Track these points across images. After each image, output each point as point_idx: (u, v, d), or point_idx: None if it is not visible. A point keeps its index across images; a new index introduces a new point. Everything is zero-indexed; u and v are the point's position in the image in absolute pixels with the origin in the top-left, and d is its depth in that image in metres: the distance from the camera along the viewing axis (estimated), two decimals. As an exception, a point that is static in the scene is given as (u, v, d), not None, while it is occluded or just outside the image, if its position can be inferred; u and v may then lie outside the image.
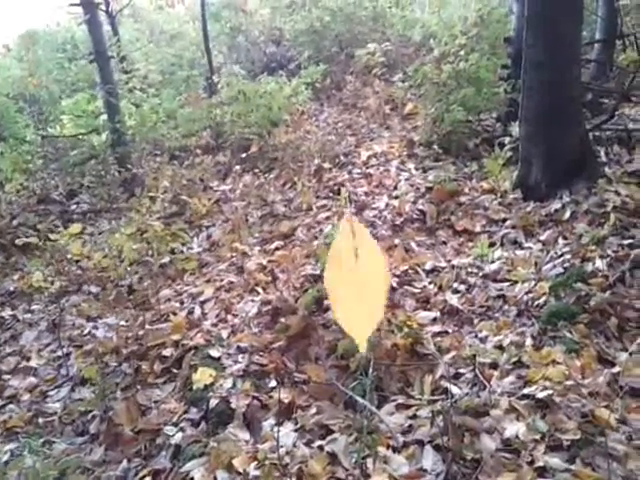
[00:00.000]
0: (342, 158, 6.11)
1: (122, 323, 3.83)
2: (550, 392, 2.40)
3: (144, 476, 2.53)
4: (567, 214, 3.96)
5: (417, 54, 8.69)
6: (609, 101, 5.74)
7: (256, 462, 2.36)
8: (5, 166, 6.74)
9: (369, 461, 2.30)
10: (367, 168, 5.72)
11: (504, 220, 4.25)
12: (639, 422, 2.28)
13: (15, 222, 5.99)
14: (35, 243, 5.00)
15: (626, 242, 3.40)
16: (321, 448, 2.44)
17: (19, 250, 5.34)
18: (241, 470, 2.34)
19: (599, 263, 3.25)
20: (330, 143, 6.50)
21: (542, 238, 3.84)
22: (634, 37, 4.87)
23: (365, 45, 8.99)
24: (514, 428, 2.30)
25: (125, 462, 2.65)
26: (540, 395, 2.41)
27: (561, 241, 3.68)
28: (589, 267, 3.25)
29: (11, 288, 4.82)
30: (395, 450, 2.38)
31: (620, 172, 4.26)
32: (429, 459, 2.30)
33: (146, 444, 2.74)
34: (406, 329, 3.05)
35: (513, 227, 4.09)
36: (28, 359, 3.81)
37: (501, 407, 2.43)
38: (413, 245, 4.12)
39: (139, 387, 3.14)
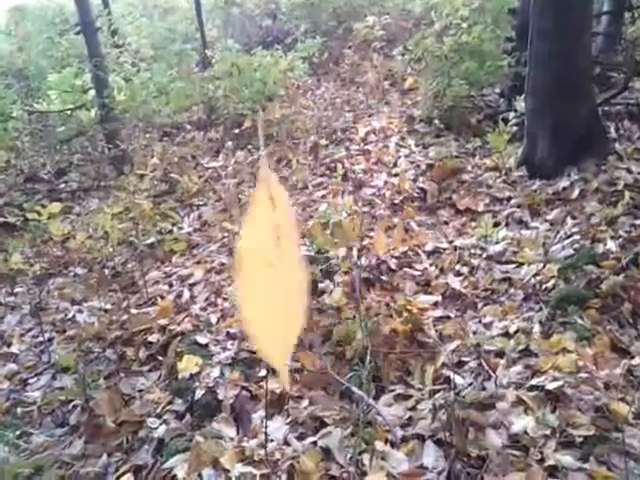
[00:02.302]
0: (339, 134, 5.90)
1: (107, 307, 3.64)
2: (561, 383, 2.23)
3: (125, 472, 2.36)
4: (576, 192, 3.76)
5: (417, 27, 8.39)
6: (618, 75, 5.51)
7: (244, 459, 2.20)
8: (-9, 143, 6.51)
9: (365, 457, 2.14)
10: (365, 145, 5.51)
11: (509, 199, 4.05)
12: (657, 416, 2.12)
13: (1, 201, 5.79)
14: (18, 223, 4.80)
15: (639, 222, 3.21)
16: (314, 443, 2.27)
17: (3, 230, 5.15)
18: (228, 467, 2.17)
19: (611, 244, 3.06)
20: (327, 119, 6.28)
21: (549, 218, 3.64)
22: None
23: (364, 18, 8.75)
24: (522, 423, 2.14)
25: (105, 456, 2.47)
26: (550, 386, 2.24)
27: (570, 221, 3.49)
28: (600, 248, 3.06)
29: (-7, 270, 4.63)
30: (393, 445, 2.21)
31: (631, 149, 4.06)
32: (430, 455, 2.14)
33: (128, 437, 2.56)
34: (406, 314, 2.87)
35: (518, 206, 3.90)
36: (9, 344, 3.63)
37: (508, 399, 2.26)
38: (413, 225, 3.93)
39: (123, 375, 2.97)
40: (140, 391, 2.84)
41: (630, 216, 3.31)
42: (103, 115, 6.31)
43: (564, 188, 3.87)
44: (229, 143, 6.03)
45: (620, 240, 3.09)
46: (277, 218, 0.59)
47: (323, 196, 4.58)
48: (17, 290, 4.28)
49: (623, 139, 4.31)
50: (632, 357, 2.36)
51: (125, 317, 3.37)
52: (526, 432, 2.09)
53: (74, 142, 6.79)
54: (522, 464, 1.98)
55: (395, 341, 2.78)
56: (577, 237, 3.26)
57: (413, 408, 2.38)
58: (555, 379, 2.26)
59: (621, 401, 2.13)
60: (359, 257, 3.34)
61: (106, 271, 4.19)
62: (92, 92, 6.58)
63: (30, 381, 3.22)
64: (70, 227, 4.96)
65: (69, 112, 6.75)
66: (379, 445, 2.18)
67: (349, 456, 2.16)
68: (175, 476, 2.20)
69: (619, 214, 3.33)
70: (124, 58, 7.75)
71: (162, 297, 3.58)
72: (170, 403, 2.67)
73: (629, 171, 3.75)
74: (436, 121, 5.50)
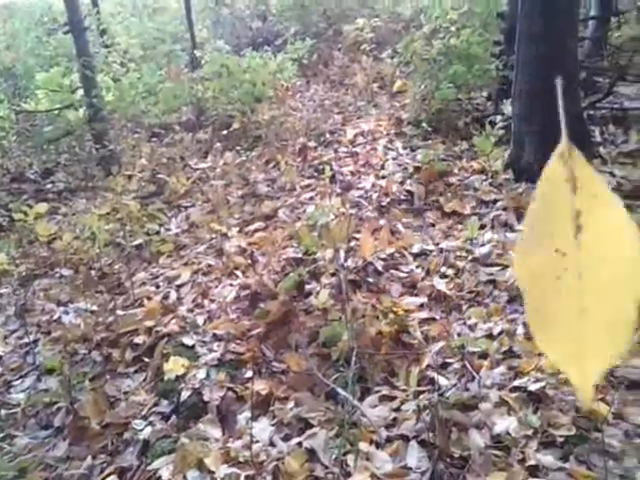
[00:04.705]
0: (328, 136, 5.91)
1: (93, 308, 3.63)
2: (543, 384, 2.26)
3: (109, 474, 2.36)
4: (561, 195, 3.79)
5: (407, 30, 8.42)
6: (603, 80, 5.57)
7: (229, 460, 2.21)
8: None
9: (350, 458, 2.15)
10: (354, 147, 5.52)
11: (495, 201, 4.08)
12: (636, 416, 2.15)
13: (-14, 202, 5.75)
14: (4, 223, 4.76)
15: (622, 225, 3.25)
16: (299, 444, 2.28)
17: (-11, 231, 5.11)
18: (213, 468, 2.18)
19: (594, 247, 3.09)
20: (316, 121, 6.29)
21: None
22: (638, 12, 4.69)
23: (354, 21, 8.76)
24: (505, 423, 2.16)
25: (90, 459, 2.47)
26: (532, 387, 2.27)
27: (554, 224, 3.52)
28: (584, 251, 3.09)
29: (-21, 271, 4.59)
30: (378, 446, 2.23)
31: (615, 152, 4.11)
32: (414, 456, 2.15)
33: (113, 439, 2.56)
34: (391, 316, 2.89)
35: (504, 209, 3.92)
36: (-6, 346, 3.61)
37: (491, 400, 2.29)
38: (400, 227, 3.94)
39: (108, 377, 2.96)
40: (126, 393, 2.83)
41: (613, 219, 3.34)
42: (91, 115, 6.28)
43: (549, 191, 3.90)
44: (218, 144, 6.03)
45: (603, 243, 3.13)
46: (579, 203, 0.46)
47: (311, 198, 4.59)
48: (2, 291, 4.25)
49: (607, 143, 4.35)
50: (613, 359, 2.38)
51: (111, 318, 3.36)
52: (508, 432, 2.11)
53: (61, 142, 6.74)
54: (504, 464, 2.00)
55: (381, 342, 2.79)
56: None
57: (398, 409, 2.40)
58: (537, 380, 2.29)
59: (601, 401, 2.16)
60: (346, 259, 3.36)
61: (92, 272, 4.17)
62: (80, 92, 6.53)
63: (14, 383, 3.20)
64: (56, 228, 4.92)
65: (57, 112, 6.70)
66: (364, 446, 2.20)
67: (334, 457, 2.18)
68: (160, 478, 2.21)
69: (603, 217, 3.37)
70: (113, 58, 7.71)
71: (149, 298, 3.56)
72: (156, 405, 2.67)
73: (612, 175, 3.79)
74: (424, 124, 5.52)
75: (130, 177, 5.28)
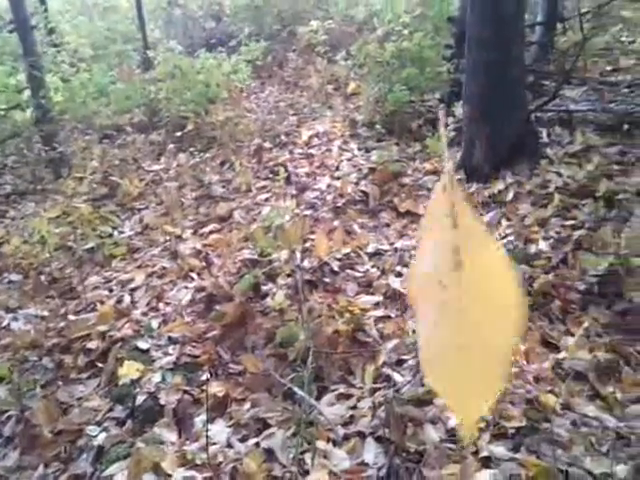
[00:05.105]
0: (283, 137, 5.91)
1: (44, 314, 3.53)
2: (494, 378, 2.32)
3: (62, 482, 2.30)
4: (510, 195, 3.91)
5: (360, 33, 8.51)
6: (550, 83, 5.75)
7: (186, 463, 2.19)
8: None
9: (308, 456, 2.16)
10: (309, 148, 5.55)
11: (447, 201, 4.16)
12: (583, 407, 2.23)
13: None
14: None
15: (568, 223, 3.37)
16: (257, 444, 2.28)
17: None
18: (169, 472, 2.16)
19: (542, 244, 3.21)
20: (271, 122, 6.28)
21: (485, 220, 3.77)
22: (579, 18, 4.86)
23: (308, 23, 8.78)
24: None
25: (42, 467, 2.41)
26: (485, 382, 2.32)
27: (504, 223, 3.62)
28: (532, 249, 3.20)
29: None
30: (335, 443, 2.25)
31: (562, 153, 4.24)
32: (371, 452, 2.18)
33: (66, 446, 2.50)
34: (347, 315, 2.92)
35: (456, 208, 4.01)
36: (-62, 355, 3.47)
37: (445, 395, 2.33)
38: (355, 227, 3.98)
39: (60, 383, 2.89)
40: (79, 399, 2.77)
41: (560, 217, 3.47)
42: (39, 116, 6.10)
43: (499, 191, 4.01)
44: (171, 146, 5.96)
45: (551, 240, 3.24)
46: (458, 238, 0.47)
47: (266, 199, 4.58)
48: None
49: (554, 144, 4.50)
50: (560, 351, 2.48)
51: (63, 324, 3.28)
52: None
53: (8, 144, 6.53)
54: (458, 456, 2.05)
55: (337, 341, 2.81)
56: (511, 238, 3.38)
57: (354, 407, 2.42)
58: (489, 374, 2.35)
59: (550, 393, 2.23)
60: (302, 259, 3.37)
61: (42, 277, 4.06)
62: (27, 92, 6.36)
63: (-38, 393, 3.09)
64: (4, 232, 4.78)
65: (3, 112, 6.49)
66: (321, 444, 2.21)
67: (291, 456, 2.18)
68: (115, 483, 2.17)
69: (550, 215, 3.49)
70: (62, 57, 7.53)
71: (102, 302, 3.50)
72: (110, 410, 2.62)
73: (559, 174, 3.92)
74: (378, 126, 5.59)
75: (81, 179, 5.17)
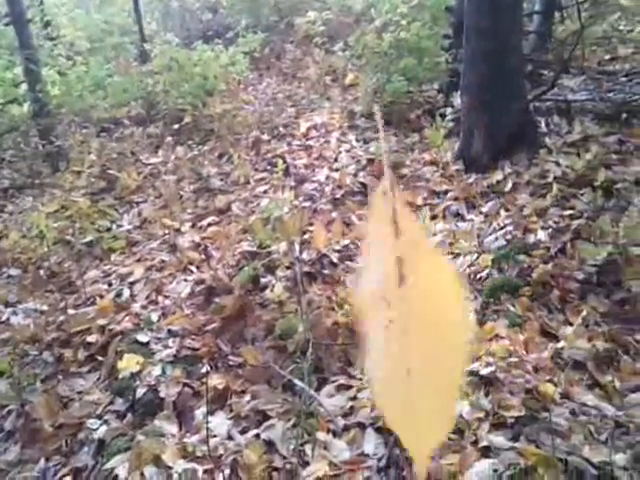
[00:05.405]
0: (281, 129, 5.90)
1: (43, 308, 3.53)
2: (493, 368, 2.33)
3: (64, 475, 2.31)
4: (509, 185, 3.91)
5: (358, 24, 8.47)
6: (548, 72, 5.74)
7: (186, 455, 2.19)
8: None
9: (308, 447, 2.17)
10: (307, 140, 5.53)
11: (446, 192, 4.16)
12: (582, 396, 2.24)
13: None
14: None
15: (567, 213, 3.37)
16: (257, 436, 2.29)
17: None
18: (170, 464, 2.16)
19: (541, 234, 3.20)
20: (269, 114, 6.27)
21: (484, 210, 3.77)
22: (577, 7, 4.84)
23: (305, 14, 8.74)
24: (457, 407, 2.21)
25: (43, 461, 2.41)
26: (484, 372, 2.33)
27: (503, 213, 3.62)
28: (531, 239, 3.20)
29: None
30: (335, 434, 2.26)
31: (560, 143, 4.23)
32: (371, 443, 2.19)
33: (67, 440, 2.50)
34: (347, 306, 2.92)
35: (455, 199, 4.01)
36: (-62, 349, 3.47)
37: (444, 385, 2.34)
38: (354, 219, 3.98)
39: (61, 377, 2.89)
40: (79, 393, 2.77)
41: (558, 207, 3.47)
42: (36, 110, 6.08)
43: (498, 181, 4.01)
44: (169, 139, 5.95)
45: (549, 230, 3.24)
46: (401, 249, 0.42)
47: (265, 191, 4.58)
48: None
49: (553, 134, 4.49)
50: (559, 341, 2.48)
51: (62, 318, 3.28)
52: (461, 416, 2.16)
53: (5, 138, 6.51)
54: (457, 446, 2.06)
55: (337, 333, 2.82)
56: (510, 228, 3.38)
57: (354, 397, 2.43)
58: (488, 364, 2.35)
59: (549, 382, 2.24)
60: (301, 251, 3.37)
61: (41, 271, 4.05)
62: (24, 86, 6.33)
63: (-38, 388, 3.10)
64: (2, 226, 4.78)
65: (0, 107, 6.48)
66: (321, 435, 2.22)
67: (292, 447, 2.19)
68: (117, 476, 2.18)
69: (548, 205, 3.49)
70: (58, 51, 7.49)
71: (101, 296, 3.50)
72: (111, 403, 2.63)
73: (558, 164, 3.91)
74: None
75: (79, 173, 5.15)
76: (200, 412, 2.47)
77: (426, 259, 0.42)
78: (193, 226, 4.26)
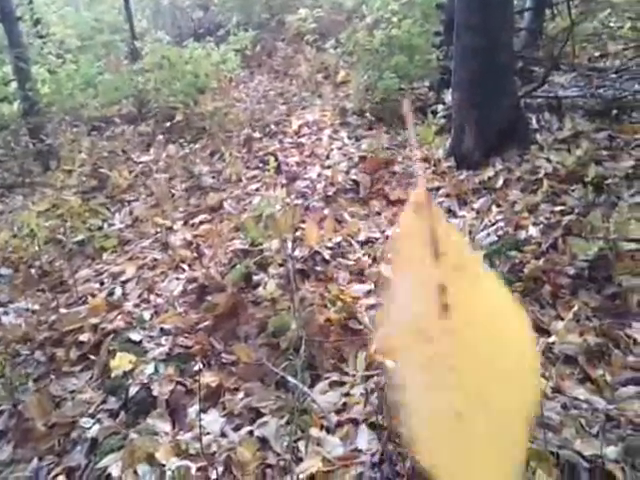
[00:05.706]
0: (273, 127, 5.89)
1: (35, 307, 3.52)
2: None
3: (57, 474, 2.30)
4: (500, 181, 3.92)
5: (349, 21, 8.47)
6: (539, 69, 5.76)
7: (180, 453, 2.19)
8: None
9: (301, 444, 2.17)
10: (299, 137, 5.53)
11: (438, 189, 4.17)
12: (573, 390, 2.25)
13: None
14: None
15: (558, 209, 3.39)
16: (251, 433, 2.29)
17: None
18: (163, 462, 2.16)
19: (532, 230, 3.22)
20: (260, 112, 6.26)
21: (476, 206, 3.78)
22: (567, 4, 4.86)
23: (296, 11, 8.74)
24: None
25: (36, 460, 2.41)
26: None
27: (495, 209, 3.64)
28: (522, 234, 3.21)
29: None
30: (329, 431, 2.26)
31: (551, 139, 4.25)
32: (364, 439, 2.20)
33: (60, 439, 2.49)
34: (339, 303, 2.92)
35: (447, 196, 4.02)
36: None
37: (437, 381, 2.35)
38: (346, 216, 3.98)
39: (53, 377, 2.88)
40: (72, 392, 2.76)
41: (549, 203, 3.48)
42: (26, 108, 6.05)
43: (489, 178, 4.02)
44: (160, 137, 5.93)
45: (541, 226, 3.26)
46: (442, 273, 0.36)
47: (257, 189, 4.58)
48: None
49: (544, 130, 4.51)
50: (550, 335, 2.49)
51: (54, 317, 3.26)
52: (454, 411, 2.17)
53: (-5, 137, 6.47)
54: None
55: (329, 330, 2.82)
56: (501, 224, 3.40)
57: (347, 394, 2.43)
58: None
59: (540, 377, 2.25)
60: (293, 249, 3.37)
61: (33, 270, 4.03)
62: (14, 84, 6.30)
63: (-47, 387, 3.08)
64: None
65: (-11, 105, 6.44)
66: (314, 432, 2.22)
67: (285, 444, 2.19)
68: (110, 475, 2.18)
69: (539, 201, 3.50)
70: (48, 49, 7.45)
71: (93, 295, 3.48)
72: (104, 402, 2.62)
73: (548, 160, 3.93)
74: (368, 114, 5.58)
75: (70, 172, 5.13)
76: (193, 410, 2.47)
77: (475, 284, 0.36)
78: (185, 224, 4.25)
